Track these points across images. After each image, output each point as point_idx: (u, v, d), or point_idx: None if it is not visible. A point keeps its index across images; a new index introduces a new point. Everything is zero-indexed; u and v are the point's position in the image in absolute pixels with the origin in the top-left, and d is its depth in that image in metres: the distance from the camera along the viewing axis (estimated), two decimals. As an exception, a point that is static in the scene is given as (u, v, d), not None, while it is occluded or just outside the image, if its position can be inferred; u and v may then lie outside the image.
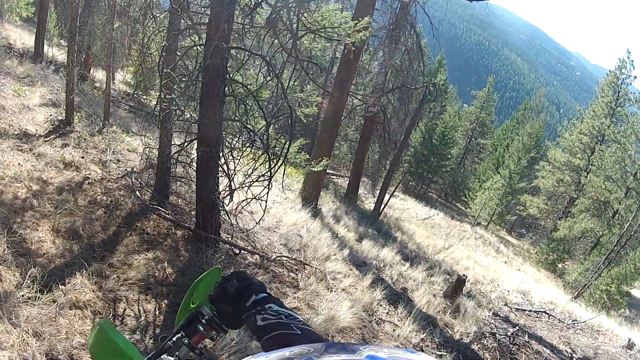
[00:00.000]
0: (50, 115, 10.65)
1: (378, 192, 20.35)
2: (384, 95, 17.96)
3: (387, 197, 19.70)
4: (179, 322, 1.40)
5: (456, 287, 10.38)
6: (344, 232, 13.09)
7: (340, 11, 7.37)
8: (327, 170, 17.78)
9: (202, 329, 1.36)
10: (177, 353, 1.32)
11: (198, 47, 7.09)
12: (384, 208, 19.63)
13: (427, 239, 19.69)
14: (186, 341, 1.33)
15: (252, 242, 8.26)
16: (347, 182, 22.83)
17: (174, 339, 1.34)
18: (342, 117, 16.36)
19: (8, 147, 8.09)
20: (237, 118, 7.41)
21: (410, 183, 44.48)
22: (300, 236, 9.88)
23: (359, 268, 9.86)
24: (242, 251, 7.58)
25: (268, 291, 1.38)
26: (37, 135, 9.36)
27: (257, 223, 8.25)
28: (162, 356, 1.31)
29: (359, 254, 11.34)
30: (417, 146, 40.62)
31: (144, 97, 20.24)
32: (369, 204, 22.23)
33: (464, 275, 10.76)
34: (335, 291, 7.90)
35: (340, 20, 6.95)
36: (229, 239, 7.72)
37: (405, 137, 19.34)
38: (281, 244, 8.95)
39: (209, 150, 6.75)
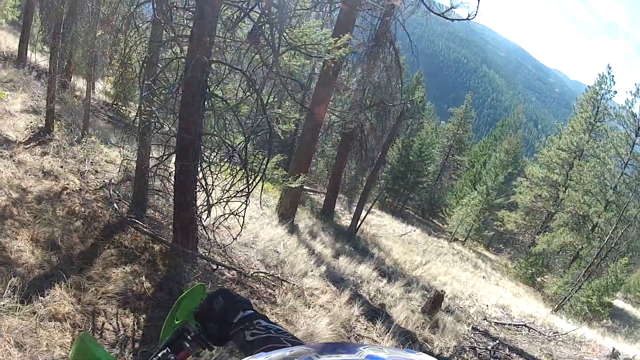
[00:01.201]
0: (31, 122, 10.56)
1: (355, 208, 20.29)
2: (361, 112, 18.07)
3: (363, 213, 19.70)
4: (163, 338, 1.38)
5: (434, 302, 10.42)
6: (320, 248, 13.09)
7: (321, 27, 7.44)
8: (304, 187, 17.72)
9: (188, 345, 1.33)
10: None
11: (179, 59, 7.08)
12: (360, 224, 19.62)
13: (404, 255, 19.72)
14: (172, 357, 1.31)
15: (229, 257, 8.22)
16: (324, 198, 22.76)
17: (159, 354, 1.32)
18: (320, 134, 16.41)
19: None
20: (215, 132, 7.40)
21: (387, 199, 44.47)
22: (277, 252, 9.84)
23: (336, 284, 9.86)
24: (220, 267, 7.53)
25: (254, 308, 1.39)
26: (17, 142, 9.32)
27: (234, 239, 8.21)
28: None
29: (336, 270, 11.34)
30: (394, 163, 40.68)
31: (124, 108, 20.10)
32: (346, 220, 22.15)
33: (442, 290, 10.84)
34: (313, 307, 7.89)
35: (321, 37, 7.02)
36: (206, 254, 7.67)
37: (382, 154, 19.41)
38: (258, 260, 8.90)
39: (187, 165, 6.72)
